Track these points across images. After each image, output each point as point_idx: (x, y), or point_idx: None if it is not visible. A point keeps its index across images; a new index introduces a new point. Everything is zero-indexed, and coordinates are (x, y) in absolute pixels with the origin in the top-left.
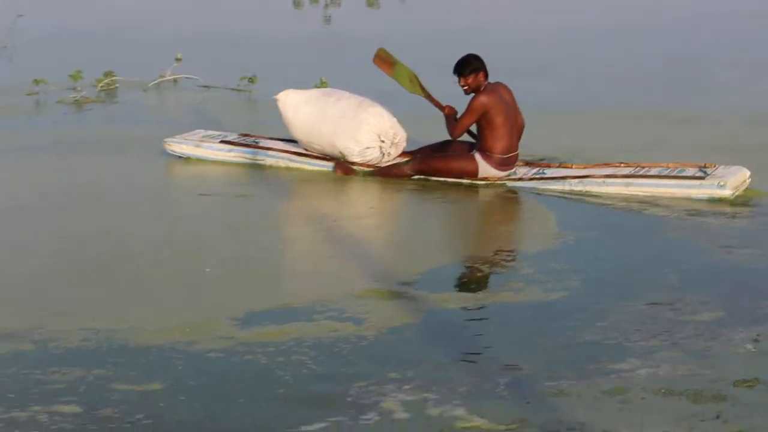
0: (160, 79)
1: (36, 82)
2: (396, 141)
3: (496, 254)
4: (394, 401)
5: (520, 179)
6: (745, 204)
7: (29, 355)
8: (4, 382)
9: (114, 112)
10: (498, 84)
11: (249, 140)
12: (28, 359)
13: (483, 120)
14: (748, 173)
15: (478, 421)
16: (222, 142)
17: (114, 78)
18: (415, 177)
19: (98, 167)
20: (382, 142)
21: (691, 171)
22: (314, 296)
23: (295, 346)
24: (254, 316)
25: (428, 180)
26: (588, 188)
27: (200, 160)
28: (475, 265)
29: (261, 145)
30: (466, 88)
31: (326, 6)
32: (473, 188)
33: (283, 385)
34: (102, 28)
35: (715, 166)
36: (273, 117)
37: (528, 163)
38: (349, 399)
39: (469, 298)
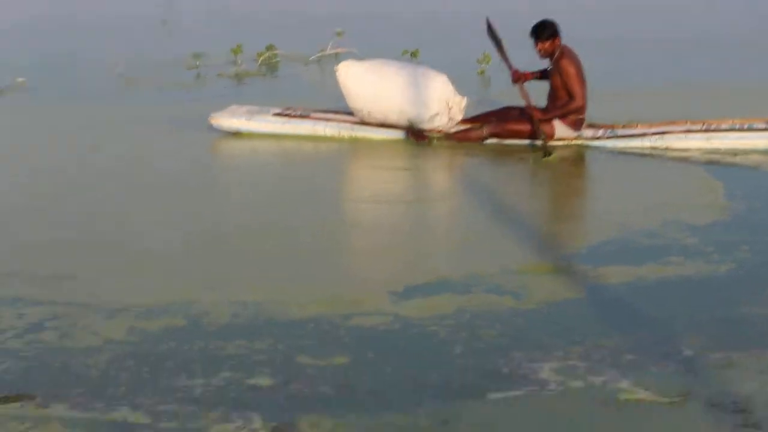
0: (320, 54)
1: (196, 56)
2: (462, 107)
3: (653, 223)
4: (557, 373)
5: (596, 138)
6: None
7: (198, 329)
8: (172, 354)
9: (274, 86)
10: (569, 47)
11: (296, 113)
12: (197, 332)
13: (561, 82)
14: None
15: (642, 394)
16: (276, 114)
17: (275, 52)
18: (488, 141)
19: (251, 142)
20: (450, 108)
21: (760, 125)
22: (471, 270)
23: (457, 319)
24: (412, 290)
25: (502, 143)
26: (669, 143)
27: (251, 134)
28: (635, 237)
29: (317, 116)
30: (542, 52)
31: None
32: (571, 151)
33: (458, 356)
34: (262, 2)
35: None
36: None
37: (591, 125)
38: (516, 370)
39: (631, 272)
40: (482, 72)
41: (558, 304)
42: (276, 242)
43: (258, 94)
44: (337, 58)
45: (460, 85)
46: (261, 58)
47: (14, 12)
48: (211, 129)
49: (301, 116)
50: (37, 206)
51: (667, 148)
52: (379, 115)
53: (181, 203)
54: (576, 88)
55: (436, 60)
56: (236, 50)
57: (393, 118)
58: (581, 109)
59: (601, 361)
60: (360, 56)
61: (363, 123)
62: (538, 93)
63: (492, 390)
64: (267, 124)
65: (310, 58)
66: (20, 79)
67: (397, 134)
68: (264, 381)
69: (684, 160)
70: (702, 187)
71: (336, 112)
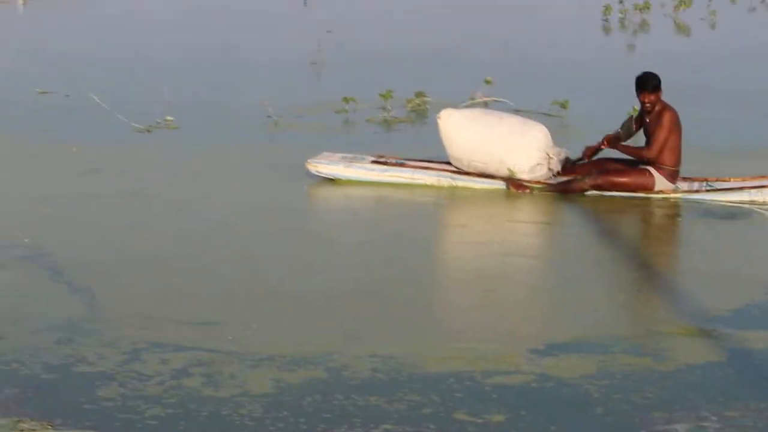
0: (470, 101)
1: (346, 100)
2: (561, 158)
3: None
4: None
5: (696, 191)
6: None
7: (340, 381)
8: (318, 406)
9: (422, 132)
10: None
11: (392, 161)
12: (340, 385)
13: (663, 134)
14: None
15: None
16: (374, 162)
17: (425, 99)
18: (589, 192)
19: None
20: (550, 159)
21: None
22: (610, 329)
23: (597, 378)
24: (553, 348)
25: (603, 195)
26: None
27: (348, 181)
28: None
29: (415, 165)
30: (648, 104)
31: (634, 32)
32: (674, 205)
33: (601, 415)
34: (413, 48)
35: None
36: (585, 141)
37: (685, 179)
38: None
39: None
40: None
41: (698, 367)
42: (407, 295)
43: (407, 141)
44: (487, 106)
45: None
46: (410, 105)
47: (168, 50)
48: (309, 175)
49: (399, 164)
50: (176, 251)
51: (765, 202)
52: (479, 164)
53: (308, 253)
54: (660, 138)
55: (586, 112)
56: (386, 95)
57: (493, 167)
58: (677, 162)
59: (739, 425)
60: (511, 105)
61: (461, 172)
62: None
63: None
64: (366, 171)
65: (459, 106)
66: (169, 118)
67: (498, 184)
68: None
69: None
70: None
71: (431, 161)
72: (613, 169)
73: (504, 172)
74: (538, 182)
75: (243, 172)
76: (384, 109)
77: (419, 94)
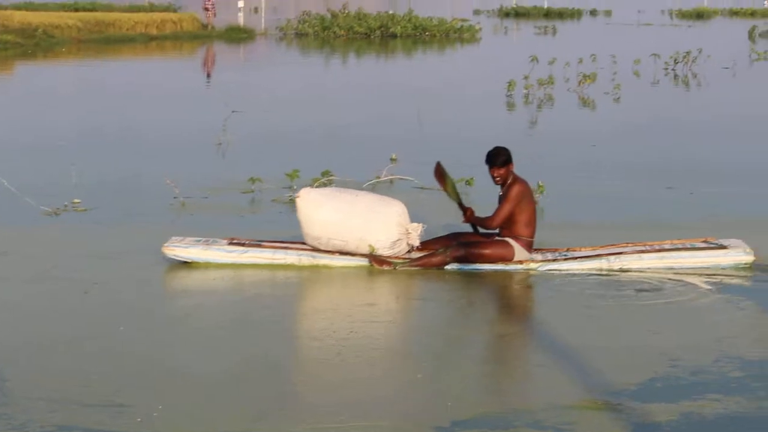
0: (376, 180)
1: (252, 180)
2: (419, 233)
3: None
4: None
5: (554, 260)
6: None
7: None
8: None
9: None
10: (520, 176)
11: (248, 243)
12: None
13: (517, 206)
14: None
15: None
16: (231, 243)
17: (331, 178)
18: (449, 266)
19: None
20: (409, 233)
21: (700, 244)
22: (514, 404)
23: None
24: (458, 425)
25: (463, 269)
26: (624, 263)
27: (204, 264)
28: (680, 372)
29: (272, 245)
30: (498, 178)
31: (539, 107)
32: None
33: None
34: (319, 127)
35: (715, 239)
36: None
37: (537, 250)
38: None
39: (681, 409)
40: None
41: None
42: (309, 374)
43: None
44: (392, 184)
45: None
46: (316, 184)
47: (75, 130)
48: (164, 259)
49: (257, 245)
50: (82, 335)
51: (620, 269)
52: (338, 242)
53: (201, 334)
54: (504, 210)
55: (492, 189)
56: (292, 175)
57: (353, 245)
58: (531, 233)
59: None
60: (417, 183)
61: (321, 251)
62: None
63: None
64: (225, 253)
65: (364, 185)
66: (76, 200)
67: (358, 261)
68: None
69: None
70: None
71: (287, 242)
72: (473, 241)
73: (364, 249)
74: (399, 257)
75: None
76: (290, 188)
77: (325, 173)
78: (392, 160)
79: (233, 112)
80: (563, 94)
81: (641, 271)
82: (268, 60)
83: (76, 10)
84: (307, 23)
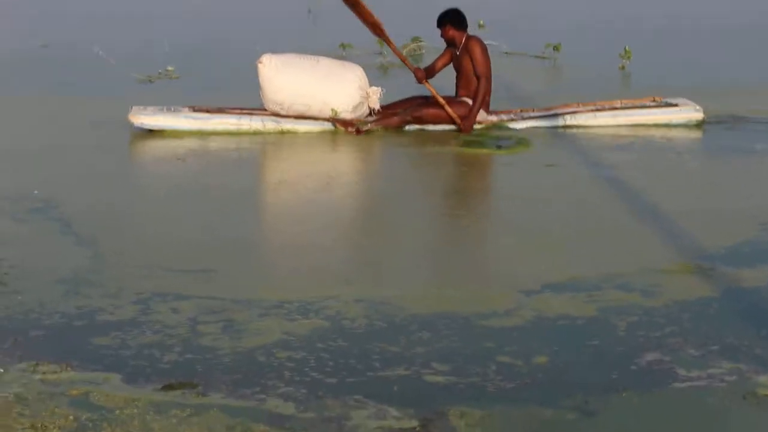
0: None
1: (343, 46)
2: (378, 96)
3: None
4: (693, 369)
5: (511, 120)
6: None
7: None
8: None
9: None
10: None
11: (212, 109)
12: (340, 332)
13: (470, 65)
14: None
15: None
16: (197, 110)
17: (420, 44)
18: (409, 127)
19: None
20: (369, 97)
21: (649, 102)
22: (601, 268)
23: (595, 317)
24: (547, 288)
25: (424, 129)
26: (580, 121)
27: (174, 132)
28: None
29: (234, 111)
30: (448, 38)
31: None
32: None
33: (597, 353)
34: None
35: (661, 99)
36: (577, 84)
37: (494, 112)
38: (653, 367)
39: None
40: (623, 67)
41: (693, 303)
42: (388, 238)
43: (402, 85)
44: None
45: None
46: (406, 50)
47: (167, 2)
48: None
49: (225, 111)
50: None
51: (578, 126)
52: (301, 107)
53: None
54: (483, 68)
55: (579, 54)
56: (381, 42)
57: (316, 109)
58: (489, 92)
59: (738, 358)
60: (504, 49)
61: (284, 116)
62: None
63: (630, 386)
64: (191, 120)
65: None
66: (170, 68)
67: (321, 125)
68: (422, 373)
69: None
70: None
71: (243, 108)
72: (433, 104)
73: (327, 113)
74: (360, 120)
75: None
76: (380, 54)
77: (415, 39)
78: (480, 26)
79: None
80: None
81: (599, 127)
82: None
83: None
84: None
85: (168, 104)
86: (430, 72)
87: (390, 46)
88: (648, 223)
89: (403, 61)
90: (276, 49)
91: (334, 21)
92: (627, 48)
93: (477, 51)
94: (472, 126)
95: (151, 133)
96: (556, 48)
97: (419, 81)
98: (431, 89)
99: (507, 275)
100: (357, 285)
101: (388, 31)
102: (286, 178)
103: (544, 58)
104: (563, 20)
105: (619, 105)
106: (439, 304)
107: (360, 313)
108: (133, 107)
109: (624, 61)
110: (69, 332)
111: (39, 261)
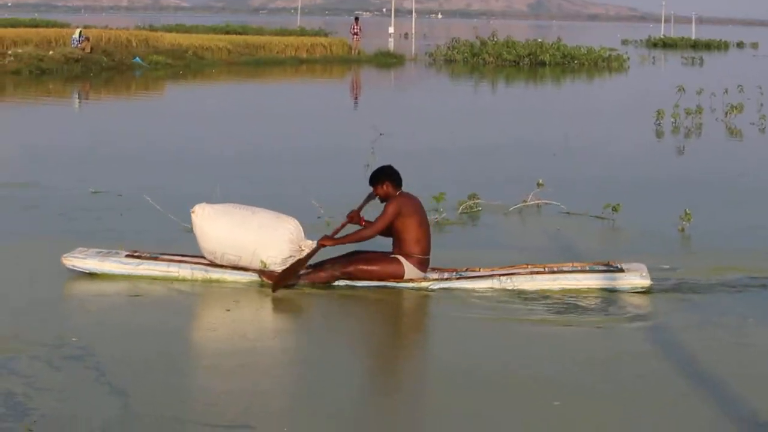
0: (522, 204)
1: None
2: (311, 251)
3: None
4: None
5: (446, 279)
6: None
7: None
8: None
9: (474, 235)
10: (407, 193)
11: (145, 255)
12: None
13: (400, 224)
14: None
15: None
16: (129, 256)
17: (477, 201)
18: (338, 282)
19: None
20: (302, 250)
21: (600, 267)
22: None
23: None
24: None
25: (354, 287)
26: (517, 284)
27: (105, 276)
28: None
29: (169, 258)
30: (381, 195)
31: (686, 135)
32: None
33: None
34: (467, 149)
35: (616, 263)
36: (642, 245)
37: (435, 269)
38: None
39: None
40: (682, 229)
41: None
42: None
43: (457, 243)
44: (539, 209)
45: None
46: (462, 207)
47: (221, 149)
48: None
49: (153, 258)
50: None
51: (514, 289)
52: (232, 257)
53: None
54: (377, 224)
55: (638, 216)
56: (438, 198)
57: (246, 260)
58: (424, 251)
59: None
60: (564, 208)
61: (215, 265)
62: None
63: None
64: (121, 265)
65: (511, 208)
66: None
67: (250, 276)
68: None
69: None
70: None
71: (186, 255)
72: (362, 258)
73: (257, 265)
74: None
75: None
76: (437, 211)
77: (472, 197)
78: (539, 185)
79: (381, 134)
80: (711, 123)
81: (534, 292)
82: (417, 84)
83: (227, 32)
84: (456, 50)
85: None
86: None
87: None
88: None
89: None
90: (329, 201)
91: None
92: (687, 210)
93: (388, 205)
94: (328, 241)
95: (91, 275)
96: (615, 209)
97: (349, 221)
98: (342, 224)
99: None
100: None
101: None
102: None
103: (603, 218)
104: (624, 180)
105: (566, 268)
106: None
107: None
108: (78, 249)
109: (684, 223)
110: None
111: (70, 410)
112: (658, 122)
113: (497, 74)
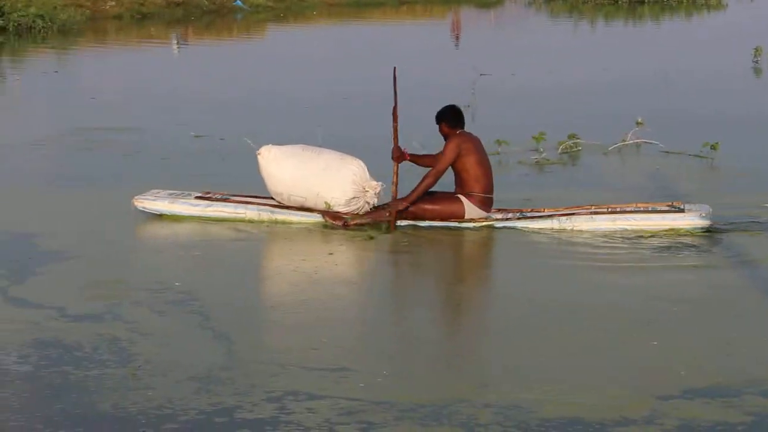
0: (621, 143)
1: (498, 142)
2: (377, 192)
3: None
4: None
5: (506, 219)
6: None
7: None
8: None
9: (574, 175)
10: (466, 132)
11: (216, 196)
12: None
13: (460, 163)
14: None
15: None
16: (198, 197)
17: (577, 141)
18: (402, 222)
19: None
20: (366, 192)
21: (663, 207)
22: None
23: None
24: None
25: (417, 225)
26: (576, 224)
27: (174, 217)
28: None
29: (237, 200)
30: (443, 135)
31: None
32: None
33: None
34: (567, 88)
35: (681, 204)
36: (741, 184)
37: (500, 210)
38: None
39: None
40: None
41: None
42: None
43: (558, 183)
44: (638, 148)
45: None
46: (562, 147)
47: (322, 91)
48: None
49: (224, 199)
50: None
51: (573, 230)
52: (299, 198)
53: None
54: (439, 167)
55: (736, 154)
56: (538, 138)
57: (311, 201)
58: (485, 189)
59: None
60: (663, 147)
61: (281, 206)
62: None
63: None
64: (190, 207)
65: (610, 148)
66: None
67: (315, 217)
68: None
69: None
70: None
71: (256, 196)
72: (424, 199)
73: (322, 206)
74: (350, 214)
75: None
76: (537, 151)
77: (572, 136)
78: (638, 123)
79: (481, 74)
80: None
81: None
82: (517, 23)
83: None
84: None
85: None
86: (415, 159)
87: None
88: None
89: (394, 138)
90: (434, 144)
91: (492, 117)
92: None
93: (447, 145)
94: (400, 204)
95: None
96: (713, 147)
97: (394, 159)
98: (395, 171)
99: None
100: (490, 389)
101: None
102: None
103: (701, 157)
104: (723, 118)
105: (629, 208)
106: (572, 410)
107: (492, 419)
108: (150, 191)
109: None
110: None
111: (174, 356)
112: (756, 60)
113: (596, 13)
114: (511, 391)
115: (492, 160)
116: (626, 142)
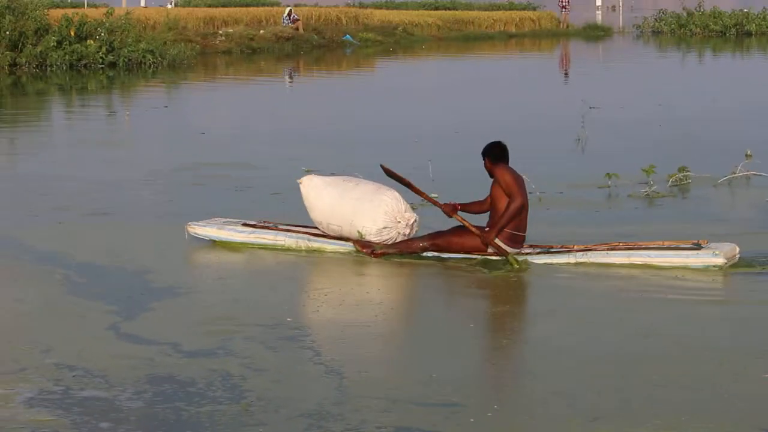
0: (731, 176)
1: (608, 175)
2: (410, 223)
3: None
4: None
5: (527, 254)
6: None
7: None
8: None
9: (684, 207)
10: (511, 168)
11: (268, 224)
12: None
13: (497, 192)
14: (737, 248)
15: None
16: (244, 224)
17: (687, 173)
18: (428, 254)
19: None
20: (398, 222)
21: (685, 245)
22: None
23: None
24: None
25: (441, 257)
26: (592, 259)
27: (223, 243)
28: None
29: (280, 228)
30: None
31: None
32: None
33: None
34: (676, 120)
35: (707, 242)
36: None
37: (532, 245)
38: None
39: None
40: None
41: None
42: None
43: (668, 216)
44: (748, 180)
45: None
46: (671, 179)
47: (427, 125)
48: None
49: (263, 227)
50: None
51: (587, 263)
52: (335, 227)
53: None
54: (513, 190)
55: None
56: (648, 170)
57: (346, 230)
58: (517, 227)
59: None
60: None
61: (319, 235)
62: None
63: None
64: (235, 233)
65: (720, 180)
66: (434, 195)
67: (348, 246)
68: None
69: None
70: None
71: (296, 225)
72: (451, 232)
73: (355, 235)
74: (378, 243)
75: None
76: (647, 184)
77: (682, 169)
78: (747, 156)
79: (591, 107)
80: None
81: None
82: (626, 57)
83: (436, 8)
84: (664, 21)
85: None
86: (465, 207)
87: (416, 191)
88: None
89: (429, 200)
90: (543, 178)
91: (602, 150)
92: None
93: (505, 176)
94: (492, 236)
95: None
96: None
97: (448, 215)
98: (462, 220)
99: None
100: (601, 422)
101: None
102: None
103: None
104: None
105: (652, 246)
106: None
107: None
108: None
109: None
110: None
111: (286, 392)
112: None
113: (704, 45)
114: (622, 424)
115: (602, 193)
116: (736, 174)
